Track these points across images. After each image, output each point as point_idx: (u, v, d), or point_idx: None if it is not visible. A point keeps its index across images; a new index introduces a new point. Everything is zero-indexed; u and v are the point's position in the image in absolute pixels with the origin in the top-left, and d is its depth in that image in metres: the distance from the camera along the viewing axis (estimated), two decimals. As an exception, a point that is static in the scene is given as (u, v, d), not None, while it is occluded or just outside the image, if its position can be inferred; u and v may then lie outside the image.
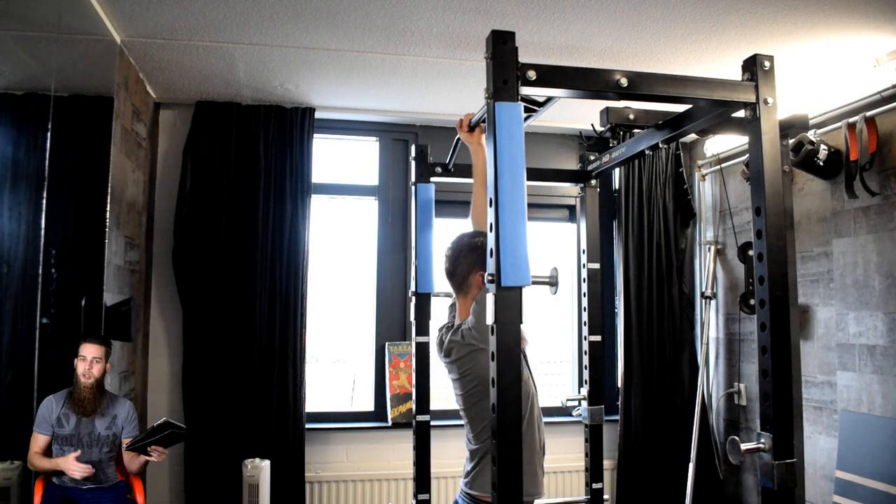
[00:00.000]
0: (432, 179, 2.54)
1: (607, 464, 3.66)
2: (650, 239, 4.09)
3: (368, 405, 4.03)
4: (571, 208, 4.38)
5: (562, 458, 3.80)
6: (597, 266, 2.58)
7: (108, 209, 2.94)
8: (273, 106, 3.75)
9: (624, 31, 2.83)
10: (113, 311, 2.96)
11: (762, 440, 1.47)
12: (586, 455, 2.57)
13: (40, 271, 2.45)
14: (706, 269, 4.09)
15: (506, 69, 1.42)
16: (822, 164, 3.13)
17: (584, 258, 2.58)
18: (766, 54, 1.57)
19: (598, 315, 2.59)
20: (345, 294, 4.35)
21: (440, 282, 2.23)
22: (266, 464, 3.41)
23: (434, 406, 2.59)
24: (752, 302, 3.63)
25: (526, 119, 1.69)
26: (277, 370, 3.64)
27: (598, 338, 2.56)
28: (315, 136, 3.83)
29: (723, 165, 3.97)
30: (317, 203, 3.89)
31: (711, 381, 4.14)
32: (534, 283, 1.42)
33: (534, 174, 2.50)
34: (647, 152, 2.07)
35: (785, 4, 2.56)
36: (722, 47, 2.96)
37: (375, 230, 4.09)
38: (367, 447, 3.87)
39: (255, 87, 3.54)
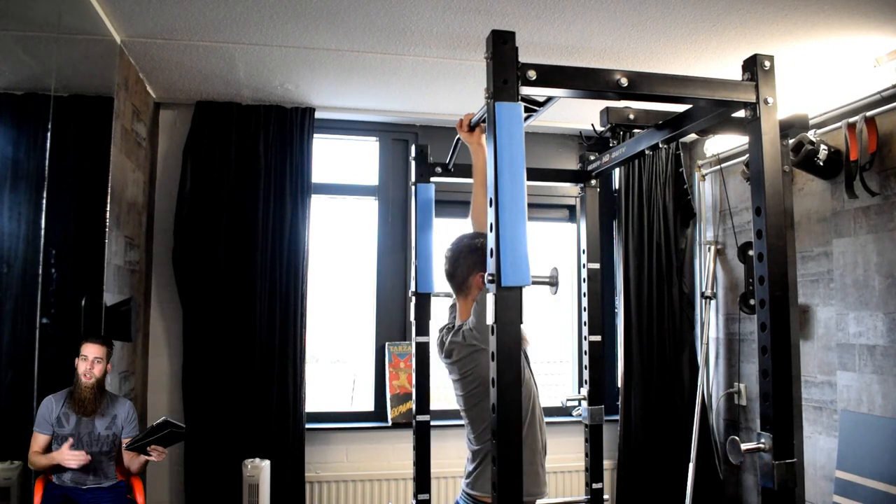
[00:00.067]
0: (432, 179, 2.54)
1: (607, 464, 3.66)
2: (650, 239, 4.09)
3: (368, 405, 4.03)
4: (571, 208, 4.38)
5: (562, 458, 3.80)
6: (597, 266, 2.58)
7: (108, 209, 2.94)
8: (273, 106, 3.75)
9: (624, 31, 2.83)
10: (113, 311, 2.96)
11: (762, 440, 1.47)
12: (586, 455, 2.57)
13: (40, 271, 2.44)
14: (706, 269, 4.09)
15: (506, 69, 1.42)
16: (822, 164, 3.13)
17: (584, 258, 2.58)
18: (766, 54, 1.57)
19: (598, 315, 2.59)
20: (345, 294, 4.35)
21: (440, 282, 2.23)
22: (266, 464, 3.41)
23: (434, 406, 2.59)
24: (752, 302, 3.63)
25: (526, 119, 1.69)
26: (277, 370, 3.64)
27: (598, 338, 2.56)
28: (315, 136, 3.83)
29: (723, 165, 3.97)
30: (317, 203, 3.89)
31: (711, 381, 4.14)
32: (534, 283, 1.42)
33: (534, 174, 2.51)
34: (647, 152, 2.07)
35: (785, 4, 2.56)
36: (722, 47, 2.96)
37: (375, 230, 4.09)
38: (367, 447, 3.87)
39: (255, 87, 3.54)
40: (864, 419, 3.03)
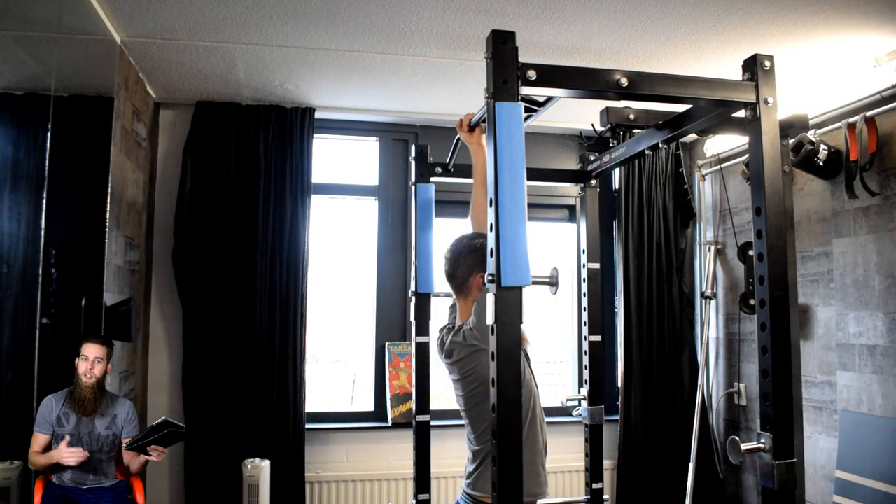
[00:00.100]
0: (432, 179, 2.54)
1: (607, 464, 3.66)
2: (650, 239, 4.09)
3: (368, 405, 4.03)
4: (571, 208, 4.38)
5: (562, 458, 3.80)
6: (597, 266, 2.58)
7: (108, 209, 2.94)
8: (273, 106, 3.75)
9: (624, 31, 2.83)
10: (113, 311, 2.96)
11: (762, 440, 1.47)
12: (586, 455, 2.57)
13: (40, 271, 2.44)
14: (706, 269, 4.09)
15: (506, 69, 1.42)
16: (822, 164, 3.13)
17: (584, 258, 2.58)
18: (766, 54, 1.57)
19: (598, 315, 2.59)
20: (345, 294, 4.35)
21: (440, 282, 2.23)
22: (266, 464, 3.41)
23: (434, 406, 2.59)
24: (752, 302, 3.63)
25: (526, 119, 1.69)
26: (277, 370, 3.64)
27: (598, 338, 2.56)
28: (315, 136, 3.83)
29: (723, 165, 3.97)
30: (317, 203, 3.89)
31: (711, 381, 4.14)
32: (534, 283, 1.42)
33: (534, 174, 2.50)
34: (647, 152, 2.07)
35: (785, 4, 2.56)
36: (722, 47, 2.96)
37: (375, 230, 4.09)
38: (367, 447, 3.87)
39: (255, 87, 3.54)
40: (864, 419, 3.03)
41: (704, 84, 1.59)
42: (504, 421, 1.35)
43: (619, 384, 4.07)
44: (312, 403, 3.84)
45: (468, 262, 2.02)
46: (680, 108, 1.86)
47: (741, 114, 1.63)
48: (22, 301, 2.48)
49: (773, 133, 1.54)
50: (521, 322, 1.37)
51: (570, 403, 2.63)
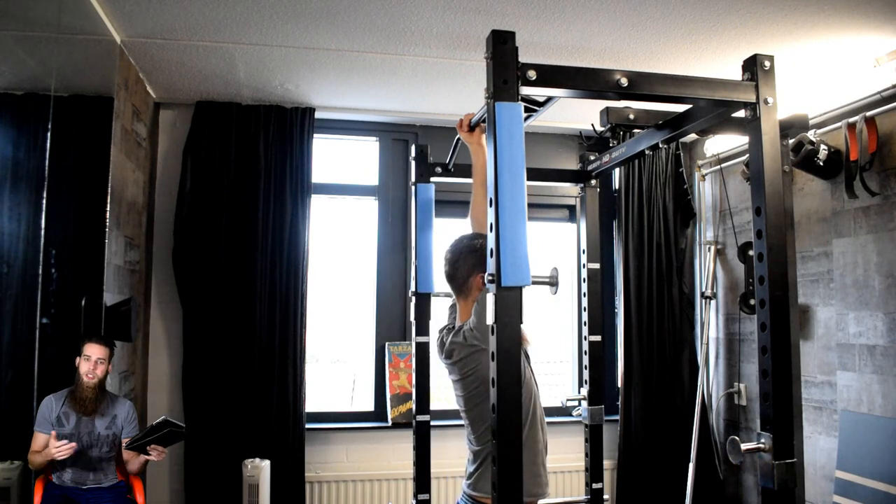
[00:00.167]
0: (432, 179, 2.53)
1: (607, 464, 3.66)
2: (650, 239, 4.09)
3: (368, 405, 4.03)
4: (571, 208, 4.38)
5: (562, 458, 3.80)
6: (597, 266, 2.58)
7: (108, 209, 2.94)
8: (273, 106, 3.75)
9: (624, 31, 2.83)
10: (113, 311, 2.96)
11: (762, 440, 1.47)
12: (586, 455, 2.57)
13: (40, 271, 2.44)
14: (706, 269, 4.09)
15: (506, 69, 1.42)
16: (822, 164, 3.13)
17: (584, 258, 2.58)
18: (766, 54, 1.57)
19: (598, 315, 2.59)
20: (345, 294, 4.35)
21: (440, 282, 2.23)
22: (266, 464, 3.41)
23: (434, 406, 2.59)
24: (752, 302, 3.63)
25: (526, 119, 1.69)
26: (277, 370, 3.64)
27: (598, 338, 2.56)
28: (315, 136, 3.83)
29: (723, 165, 3.97)
30: (317, 203, 3.89)
31: (711, 381, 4.14)
32: (534, 283, 1.42)
33: (534, 174, 2.50)
34: (647, 152, 2.07)
35: (785, 4, 2.56)
36: (722, 47, 2.96)
37: (375, 230, 4.09)
38: (367, 447, 3.87)
39: (255, 87, 3.54)
40: (864, 419, 3.03)
41: (704, 84, 1.59)
42: (504, 421, 1.35)
43: (619, 384, 4.07)
44: (312, 403, 3.84)
45: (468, 262, 2.01)
46: (680, 108, 1.86)
47: (741, 114, 1.63)
48: (22, 301, 2.48)
49: (773, 133, 1.54)
50: (521, 322, 1.37)
51: (570, 403, 2.63)
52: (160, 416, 2.80)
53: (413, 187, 2.52)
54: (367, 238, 4.12)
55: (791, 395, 1.48)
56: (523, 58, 1.44)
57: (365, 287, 4.15)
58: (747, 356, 3.86)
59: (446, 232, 2.42)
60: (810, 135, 3.12)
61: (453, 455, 3.46)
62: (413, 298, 2.50)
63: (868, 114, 2.97)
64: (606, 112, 2.08)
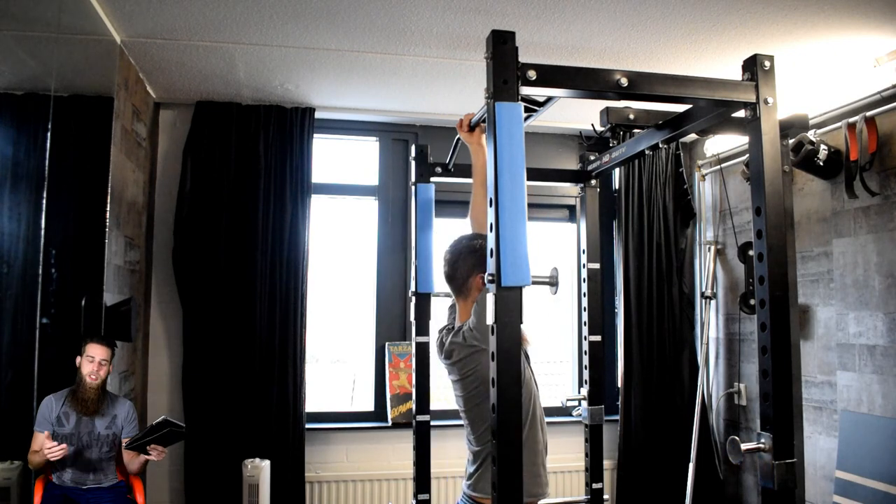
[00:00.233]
0: (432, 179, 2.53)
1: (607, 464, 3.66)
2: (650, 239, 4.09)
3: (368, 405, 4.03)
4: (571, 208, 4.38)
5: (562, 458, 3.80)
6: (597, 266, 2.58)
7: (108, 209, 2.94)
8: (273, 106, 3.75)
9: (624, 31, 2.83)
10: (113, 311, 2.96)
11: (762, 440, 1.47)
12: (586, 455, 2.57)
13: (40, 271, 2.44)
14: (706, 269, 4.09)
15: (506, 69, 1.42)
16: (822, 164, 3.13)
17: (584, 258, 2.58)
18: (766, 54, 1.57)
19: (598, 315, 2.59)
20: (345, 294, 4.35)
21: (440, 282, 2.22)
22: (266, 464, 3.41)
23: (434, 406, 2.59)
24: (752, 302, 3.63)
25: (526, 119, 1.69)
26: (277, 370, 3.64)
27: (598, 338, 2.56)
28: (315, 136, 3.83)
29: (723, 165, 3.97)
30: (317, 203, 3.89)
31: (711, 381, 4.14)
32: (534, 283, 1.42)
33: (534, 174, 2.50)
34: (647, 152, 2.07)
35: (785, 4, 2.56)
36: (722, 47, 2.96)
37: (375, 230, 4.09)
38: (367, 447, 3.87)
39: (255, 87, 3.54)
40: (864, 419, 3.03)
41: (704, 84, 1.59)
42: (504, 421, 1.35)
43: (619, 384, 4.07)
44: (312, 403, 3.84)
45: (467, 263, 2.01)
46: (680, 108, 1.86)
47: (741, 114, 1.63)
48: (22, 301, 2.48)
49: (773, 133, 1.54)
50: (521, 322, 1.37)
51: (570, 403, 2.63)
52: (160, 416, 2.80)
53: (413, 187, 2.52)
54: (367, 238, 4.12)
55: (791, 395, 1.48)
56: (523, 58, 1.44)
57: (365, 287, 4.15)
58: (747, 356, 3.86)
59: (446, 232, 2.42)
60: (810, 135, 3.12)
61: (453, 455, 3.46)
62: (413, 298, 2.50)
63: (868, 114, 2.97)
64: (606, 112, 2.08)
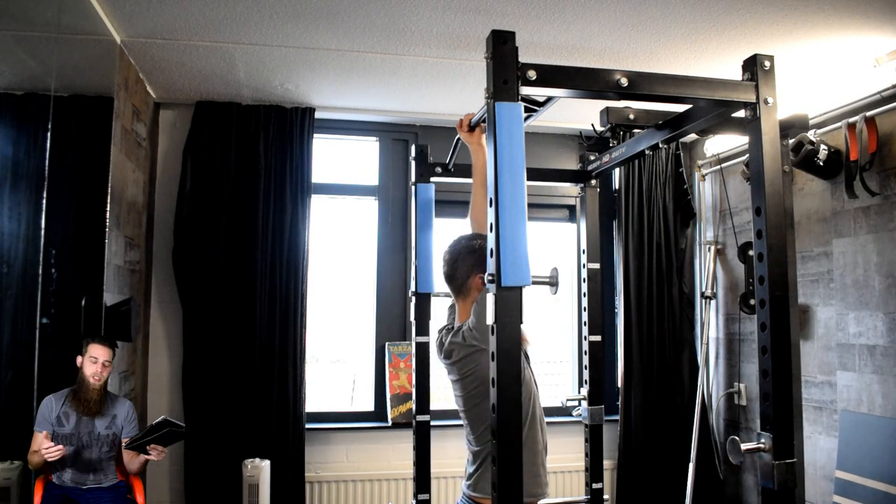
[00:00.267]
0: (432, 179, 2.53)
1: (607, 464, 3.66)
2: (650, 239, 4.09)
3: (368, 405, 4.03)
4: (571, 208, 4.38)
5: (562, 458, 3.80)
6: (597, 266, 2.58)
7: (108, 209, 2.94)
8: (273, 106, 3.75)
9: (624, 31, 2.83)
10: (113, 311, 2.96)
11: (762, 440, 1.47)
12: (586, 455, 2.57)
13: (40, 271, 2.44)
14: (706, 269, 4.09)
15: (506, 69, 1.42)
16: (822, 164, 3.13)
17: (584, 258, 2.58)
18: (766, 54, 1.57)
19: (598, 315, 2.59)
20: (345, 294, 4.35)
21: (440, 282, 2.22)
22: (266, 464, 3.41)
23: (434, 406, 2.59)
24: (752, 302, 3.63)
25: (526, 119, 1.69)
26: (277, 370, 3.64)
27: (598, 338, 2.56)
28: (315, 136, 3.83)
29: (723, 165, 3.97)
30: (317, 203, 3.89)
31: (711, 381, 4.14)
32: (534, 283, 1.42)
33: (534, 174, 2.50)
34: (647, 152, 2.07)
35: (785, 4, 2.56)
36: (722, 47, 2.96)
37: (375, 230, 4.09)
38: (367, 447, 3.87)
39: (255, 87, 3.54)
40: (864, 419, 3.03)
41: (704, 84, 1.59)
42: (504, 421, 1.35)
43: (619, 384, 4.07)
44: (312, 403, 3.84)
45: (467, 263, 2.01)
46: (680, 108, 1.86)
47: (741, 114, 1.63)
48: (22, 301, 2.48)
49: (773, 133, 1.54)
50: (521, 322, 1.37)
51: (570, 403, 2.63)
52: (160, 416, 2.80)
53: (413, 187, 2.52)
54: (367, 238, 4.12)
55: (791, 395, 1.48)
56: (523, 58, 1.44)
57: (365, 287, 4.15)
58: (747, 356, 3.86)
59: (446, 232, 2.42)
60: (810, 135, 3.12)
61: (453, 455, 3.46)
62: (413, 298, 2.50)
63: (868, 114, 2.97)
64: (606, 112, 2.08)
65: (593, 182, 2.61)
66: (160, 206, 3.75)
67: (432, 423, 2.53)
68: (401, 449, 3.84)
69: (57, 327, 2.63)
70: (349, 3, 2.62)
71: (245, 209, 3.67)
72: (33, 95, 2.53)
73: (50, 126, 2.45)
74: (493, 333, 1.37)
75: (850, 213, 3.18)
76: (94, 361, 2.70)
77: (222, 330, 3.60)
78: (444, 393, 3.64)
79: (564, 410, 3.71)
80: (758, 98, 1.55)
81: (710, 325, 4.12)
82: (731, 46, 2.94)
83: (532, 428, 1.98)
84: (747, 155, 2.72)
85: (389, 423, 3.88)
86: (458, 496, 2.11)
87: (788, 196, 1.81)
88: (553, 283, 1.65)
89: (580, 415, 2.59)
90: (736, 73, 1.62)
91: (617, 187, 4.19)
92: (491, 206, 1.39)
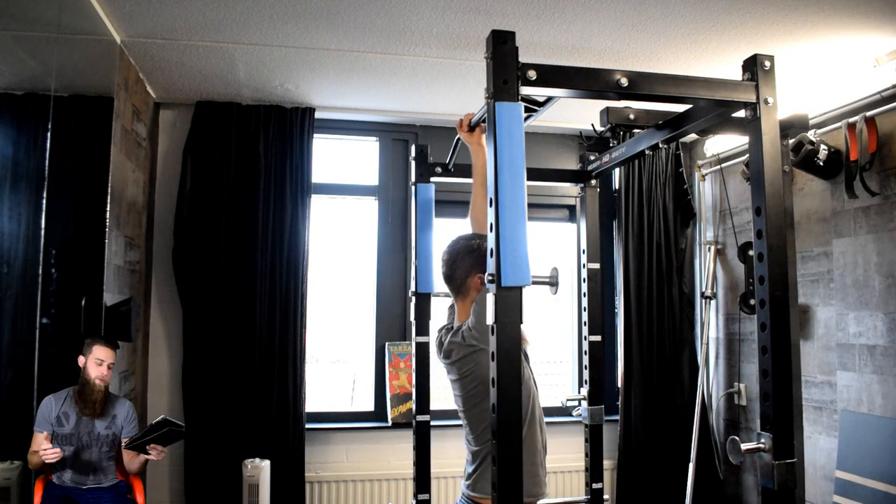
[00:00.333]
0: (432, 179, 2.54)
1: (607, 464, 3.66)
2: (650, 239, 4.09)
3: (368, 405, 4.03)
4: (571, 208, 4.38)
5: (562, 458, 3.80)
6: (597, 266, 2.58)
7: (108, 209, 2.94)
8: (273, 106, 3.75)
9: (624, 31, 2.83)
10: (113, 311, 2.96)
11: (762, 440, 1.47)
12: (586, 455, 2.57)
13: (40, 271, 2.44)
14: (706, 269, 4.09)
15: (506, 69, 1.42)
16: (822, 164, 3.13)
17: (584, 258, 2.58)
18: (767, 54, 1.57)
19: (598, 315, 2.59)
20: (345, 294, 4.35)
21: (440, 282, 2.22)
22: (266, 464, 3.41)
23: (434, 406, 2.59)
24: (752, 302, 3.63)
25: (526, 119, 1.69)
26: (277, 370, 3.64)
27: (598, 338, 2.56)
28: (315, 136, 3.83)
29: (723, 165, 3.97)
30: (317, 203, 3.89)
31: (711, 381, 4.14)
32: (534, 283, 1.42)
33: (534, 174, 2.50)
34: (647, 152, 2.07)
35: (785, 4, 2.56)
36: (722, 47, 2.96)
37: (375, 230, 4.09)
38: (367, 447, 3.87)
39: (255, 87, 3.54)
40: (864, 419, 3.03)
41: (704, 84, 1.59)
42: (504, 421, 1.35)
43: (619, 384, 4.07)
44: (312, 403, 3.84)
45: (466, 263, 2.01)
46: (680, 108, 1.86)
47: (741, 114, 1.63)
48: (22, 301, 2.48)
49: (773, 133, 1.54)
50: (521, 322, 1.37)
51: (570, 403, 2.63)
52: (160, 415, 2.80)
53: (413, 187, 2.52)
54: (367, 238, 4.12)
55: (791, 395, 1.48)
56: (523, 58, 1.44)
57: (365, 287, 4.15)
58: (747, 356, 3.86)
59: (446, 232, 2.42)
60: (810, 135, 3.12)
61: (453, 455, 3.46)
62: (413, 298, 2.51)
63: (868, 114, 2.97)
64: (606, 112, 2.08)
65: (593, 182, 2.61)
66: (160, 206, 3.75)
67: (432, 423, 2.53)
68: (401, 449, 3.84)
69: (57, 327, 2.63)
70: (349, 3, 2.62)
71: (245, 209, 3.67)
72: (33, 95, 2.52)
73: (50, 126, 2.45)
74: (493, 333, 1.37)
75: (850, 213, 3.18)
76: (100, 364, 2.70)
77: (222, 330, 3.60)
78: (444, 393, 3.64)
79: (564, 410, 3.71)
80: (758, 98, 1.55)
81: (710, 325, 4.12)
82: (731, 46, 2.94)
83: (531, 428, 1.98)
84: (747, 155, 2.72)
85: (389, 423, 3.88)
86: (458, 496, 2.11)
87: (788, 196, 1.81)
88: (553, 283, 1.65)
89: (580, 415, 2.59)
90: (736, 73, 1.62)
91: (617, 187, 4.19)
92: (491, 206, 1.40)
